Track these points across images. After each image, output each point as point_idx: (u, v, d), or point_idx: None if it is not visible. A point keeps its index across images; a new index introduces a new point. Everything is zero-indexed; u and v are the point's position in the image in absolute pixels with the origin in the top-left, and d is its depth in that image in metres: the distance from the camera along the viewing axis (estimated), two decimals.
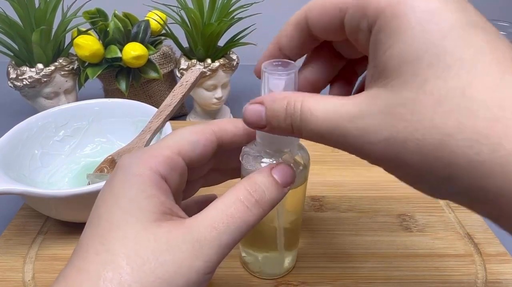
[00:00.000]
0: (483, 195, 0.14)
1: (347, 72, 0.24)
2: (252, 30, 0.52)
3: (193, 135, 0.22)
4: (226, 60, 0.51)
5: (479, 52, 0.14)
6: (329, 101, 0.17)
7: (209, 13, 0.50)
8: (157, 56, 0.53)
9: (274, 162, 0.22)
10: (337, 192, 0.40)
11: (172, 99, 0.39)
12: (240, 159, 0.24)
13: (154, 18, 0.53)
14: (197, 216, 0.19)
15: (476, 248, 0.34)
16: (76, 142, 0.42)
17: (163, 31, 0.54)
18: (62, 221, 0.35)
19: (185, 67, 0.51)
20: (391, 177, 0.17)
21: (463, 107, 0.14)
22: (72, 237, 0.34)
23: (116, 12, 0.51)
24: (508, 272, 0.32)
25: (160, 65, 0.53)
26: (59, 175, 0.39)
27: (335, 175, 0.42)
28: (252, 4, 0.52)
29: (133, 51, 0.49)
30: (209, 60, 0.51)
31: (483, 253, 0.33)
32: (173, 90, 0.39)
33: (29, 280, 0.30)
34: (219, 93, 0.52)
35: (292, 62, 0.21)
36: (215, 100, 0.53)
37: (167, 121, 0.38)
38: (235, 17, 0.50)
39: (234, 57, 0.53)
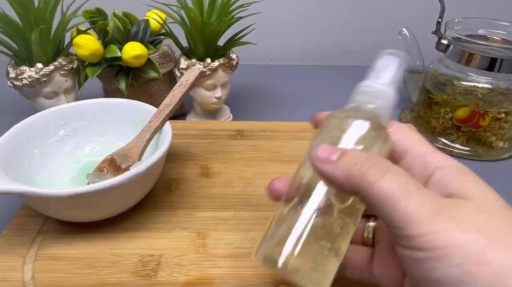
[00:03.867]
0: None
1: None
2: (252, 30, 0.52)
3: None
4: (226, 60, 0.51)
5: None
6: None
7: (209, 12, 0.50)
8: (157, 55, 0.53)
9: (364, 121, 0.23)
10: None
11: (172, 98, 0.39)
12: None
13: (154, 18, 0.53)
14: None
15: None
16: (76, 141, 0.42)
17: (163, 31, 0.54)
18: (62, 220, 0.35)
19: (184, 66, 0.51)
20: None
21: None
22: (72, 237, 0.34)
23: (116, 11, 0.51)
24: None
25: (159, 64, 0.53)
26: (58, 174, 0.39)
27: None
28: (251, 3, 0.51)
29: (133, 50, 0.48)
30: (208, 60, 0.50)
31: None
32: (172, 89, 0.39)
33: (28, 280, 0.30)
34: (218, 92, 0.52)
35: (402, 53, 0.24)
36: (215, 100, 0.53)
37: (166, 120, 0.38)
38: (235, 16, 0.50)
39: (234, 56, 0.53)
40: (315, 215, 0.21)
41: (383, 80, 0.24)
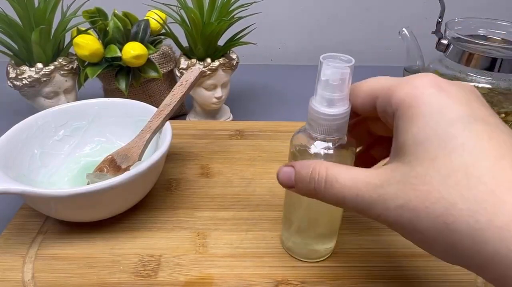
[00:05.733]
0: (481, 259, 0.17)
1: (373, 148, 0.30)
2: (252, 30, 0.52)
3: None
4: (226, 60, 0.51)
5: (479, 139, 0.18)
6: (353, 171, 0.21)
7: (209, 12, 0.50)
8: (157, 55, 0.53)
9: (324, 145, 0.25)
10: None
11: (172, 98, 0.39)
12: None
13: (154, 18, 0.53)
14: None
15: None
16: (76, 141, 0.42)
17: (163, 31, 0.54)
18: (62, 220, 0.35)
19: (185, 66, 0.51)
20: None
21: (465, 183, 0.17)
22: (72, 237, 0.34)
23: (116, 11, 0.51)
24: None
25: (160, 64, 0.53)
26: (58, 174, 0.39)
27: None
28: (252, 3, 0.51)
29: (133, 50, 0.48)
30: (208, 60, 0.50)
31: None
32: (172, 89, 0.39)
33: (28, 280, 0.30)
34: (219, 92, 0.52)
35: (350, 58, 0.23)
36: (215, 100, 0.53)
37: (166, 120, 0.38)
38: (235, 16, 0.50)
39: (234, 56, 0.53)
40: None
41: (336, 94, 0.23)
